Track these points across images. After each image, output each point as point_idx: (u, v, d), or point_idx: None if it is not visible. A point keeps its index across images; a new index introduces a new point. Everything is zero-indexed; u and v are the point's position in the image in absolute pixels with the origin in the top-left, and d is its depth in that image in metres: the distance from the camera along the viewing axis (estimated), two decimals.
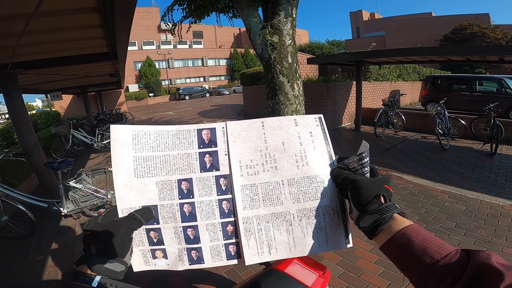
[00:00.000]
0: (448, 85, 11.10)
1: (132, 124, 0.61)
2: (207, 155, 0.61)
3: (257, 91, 11.84)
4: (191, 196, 0.59)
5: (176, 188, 0.59)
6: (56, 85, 7.64)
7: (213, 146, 0.62)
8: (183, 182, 0.60)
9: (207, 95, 30.47)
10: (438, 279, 0.40)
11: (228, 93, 30.73)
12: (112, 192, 3.24)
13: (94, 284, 0.45)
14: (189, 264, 0.59)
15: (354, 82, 8.58)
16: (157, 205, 0.58)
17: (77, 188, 3.29)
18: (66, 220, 3.59)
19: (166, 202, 0.58)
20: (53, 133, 7.01)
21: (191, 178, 0.60)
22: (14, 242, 3.20)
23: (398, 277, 2.26)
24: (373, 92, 10.90)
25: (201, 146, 0.62)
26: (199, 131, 0.63)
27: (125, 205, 0.57)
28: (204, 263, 0.59)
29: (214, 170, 0.61)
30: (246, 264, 0.59)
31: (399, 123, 7.81)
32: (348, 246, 0.61)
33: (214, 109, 16.81)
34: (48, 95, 8.64)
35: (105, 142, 7.34)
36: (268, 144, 0.63)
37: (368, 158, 0.56)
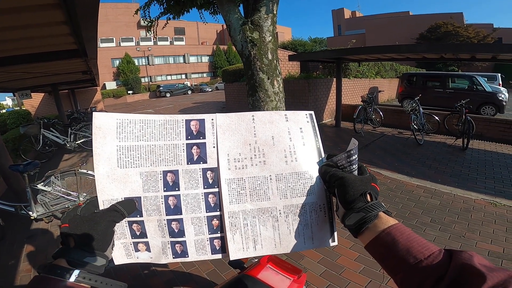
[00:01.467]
0: (423, 82, 11.53)
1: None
2: (194, 147, 0.59)
3: (239, 88, 11.77)
4: (177, 189, 0.57)
5: (161, 179, 0.57)
6: (25, 83, 7.20)
7: (201, 137, 0.60)
8: (168, 174, 0.57)
9: (189, 92, 30.00)
10: (420, 279, 0.40)
11: (210, 90, 30.38)
12: (85, 194, 3.10)
13: (72, 278, 0.42)
14: (173, 258, 0.58)
15: (335, 79, 8.71)
16: (140, 197, 0.56)
17: (46, 191, 3.12)
18: (38, 224, 3.44)
19: (150, 194, 0.56)
20: (22, 133, 6.61)
21: (177, 170, 0.58)
22: None
23: (378, 274, 2.29)
24: (353, 89, 11.12)
25: (189, 137, 0.59)
26: (188, 122, 0.60)
27: (106, 197, 0.54)
28: (188, 256, 0.58)
29: (201, 162, 0.59)
30: (231, 259, 0.58)
31: (377, 119, 8.02)
32: (333, 244, 0.61)
33: (196, 107, 16.62)
34: (16, 94, 8.12)
35: (78, 142, 7.02)
36: (258, 138, 0.61)
37: (356, 156, 0.56)
